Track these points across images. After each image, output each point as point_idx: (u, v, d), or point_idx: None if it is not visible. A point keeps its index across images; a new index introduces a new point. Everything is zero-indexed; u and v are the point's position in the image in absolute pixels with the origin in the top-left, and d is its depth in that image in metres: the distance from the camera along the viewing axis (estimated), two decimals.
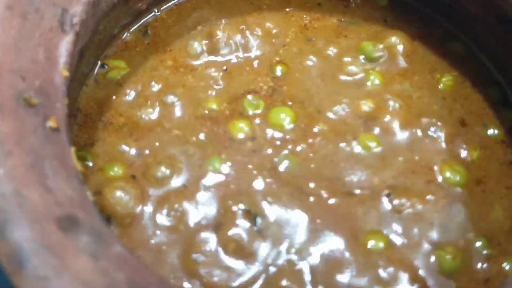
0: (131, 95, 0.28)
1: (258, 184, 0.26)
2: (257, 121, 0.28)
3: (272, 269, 0.24)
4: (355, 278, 0.24)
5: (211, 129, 0.27)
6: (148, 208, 0.25)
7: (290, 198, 0.25)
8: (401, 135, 0.28)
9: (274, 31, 0.31)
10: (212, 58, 0.30)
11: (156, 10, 0.30)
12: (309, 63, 0.30)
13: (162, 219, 0.25)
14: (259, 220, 0.25)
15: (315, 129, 0.27)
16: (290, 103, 0.28)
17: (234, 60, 0.30)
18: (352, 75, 0.29)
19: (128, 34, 0.30)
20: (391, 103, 0.28)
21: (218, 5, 0.31)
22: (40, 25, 0.22)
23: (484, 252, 0.25)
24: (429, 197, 0.26)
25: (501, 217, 0.26)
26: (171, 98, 0.28)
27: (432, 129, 0.28)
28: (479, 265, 0.25)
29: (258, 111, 0.28)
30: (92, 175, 0.25)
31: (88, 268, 0.17)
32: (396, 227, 0.25)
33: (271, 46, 0.30)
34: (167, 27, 0.31)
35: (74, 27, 0.23)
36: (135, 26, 0.30)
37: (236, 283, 0.23)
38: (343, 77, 0.29)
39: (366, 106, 0.28)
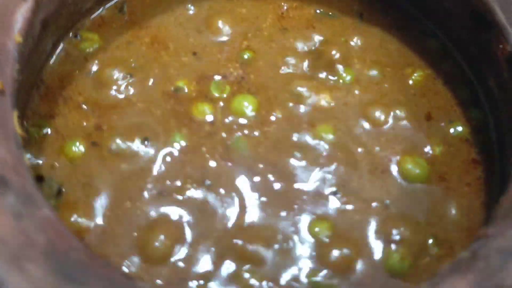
0: (96, 70, 0.28)
1: (210, 164, 0.26)
2: (221, 104, 0.28)
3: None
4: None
5: (174, 107, 0.27)
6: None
7: (238, 176, 0.25)
8: (363, 124, 0.28)
9: (250, 17, 0.31)
10: (185, 40, 0.30)
11: None
12: (278, 52, 0.30)
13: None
14: (208, 182, 0.25)
15: (273, 117, 0.27)
16: (255, 91, 0.28)
17: (207, 43, 0.30)
18: None
19: (103, 10, 0.30)
20: (356, 92, 0.28)
21: None
22: None
23: (434, 251, 0.25)
24: (384, 190, 0.26)
25: (458, 215, 0.26)
26: (138, 74, 0.28)
27: (396, 119, 0.28)
28: (425, 264, 0.24)
29: (224, 96, 0.28)
30: (48, 143, 0.26)
31: (8, 226, 0.17)
32: (343, 219, 0.25)
33: (244, 33, 0.30)
34: (144, 5, 0.31)
35: None
36: (111, 3, 0.30)
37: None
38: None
39: (327, 96, 0.28)
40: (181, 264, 0.23)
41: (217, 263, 0.23)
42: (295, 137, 0.27)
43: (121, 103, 0.27)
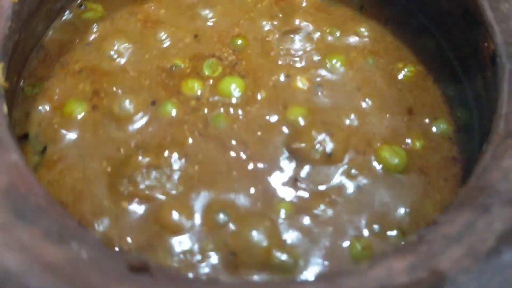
0: (96, 39, 0.30)
1: (189, 140, 0.26)
2: (210, 82, 0.28)
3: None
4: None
5: (164, 80, 0.28)
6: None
7: (214, 149, 0.26)
8: (346, 103, 0.28)
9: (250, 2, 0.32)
10: (185, 19, 0.31)
11: None
12: (274, 37, 0.30)
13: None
14: (183, 160, 0.26)
15: (258, 97, 0.28)
16: (244, 74, 0.29)
17: (208, 24, 0.31)
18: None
19: None
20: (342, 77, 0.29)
21: None
22: None
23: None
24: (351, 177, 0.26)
25: (430, 210, 0.26)
26: (137, 47, 0.29)
27: (378, 109, 0.28)
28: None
29: (215, 75, 0.29)
30: (40, 103, 0.27)
31: None
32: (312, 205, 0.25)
33: (237, 16, 0.31)
34: None
35: None
36: None
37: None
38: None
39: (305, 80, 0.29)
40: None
41: None
42: (273, 118, 0.27)
43: (115, 71, 0.29)
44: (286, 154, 0.26)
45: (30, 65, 0.28)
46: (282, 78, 0.28)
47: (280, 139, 0.27)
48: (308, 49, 0.30)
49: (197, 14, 0.31)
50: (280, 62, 0.29)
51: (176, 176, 0.25)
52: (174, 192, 0.25)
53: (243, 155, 0.26)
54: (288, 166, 0.26)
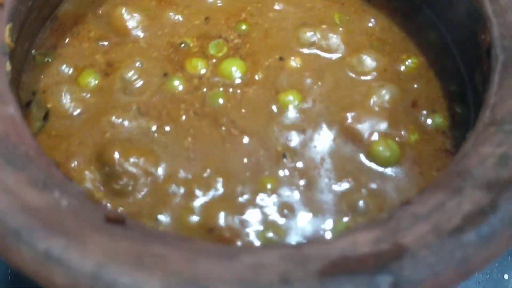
0: (110, 12, 0.31)
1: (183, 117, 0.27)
2: (214, 61, 0.29)
3: None
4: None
5: (169, 55, 0.29)
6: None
7: (207, 126, 0.27)
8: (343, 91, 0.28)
9: None
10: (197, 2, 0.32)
11: None
12: (277, 21, 0.31)
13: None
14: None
15: (256, 78, 0.29)
16: (246, 57, 0.29)
17: (218, 7, 0.32)
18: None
19: None
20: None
21: None
22: None
23: None
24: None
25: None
26: (149, 23, 0.31)
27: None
28: None
29: (219, 55, 0.30)
30: (48, 70, 0.29)
31: None
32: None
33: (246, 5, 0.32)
34: None
35: None
36: None
37: None
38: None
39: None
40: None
41: None
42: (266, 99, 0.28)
43: (127, 43, 0.30)
44: (277, 133, 0.27)
45: (43, 34, 0.30)
46: (281, 60, 0.29)
47: (273, 120, 0.27)
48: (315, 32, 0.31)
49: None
50: (282, 47, 0.30)
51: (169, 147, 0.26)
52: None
53: (234, 131, 0.26)
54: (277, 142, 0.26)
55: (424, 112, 0.28)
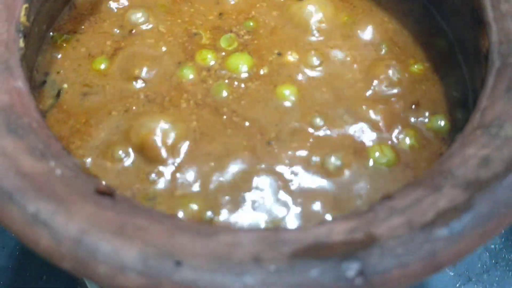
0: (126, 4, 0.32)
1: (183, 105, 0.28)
2: (223, 54, 0.30)
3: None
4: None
5: (183, 44, 0.30)
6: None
7: (209, 114, 0.28)
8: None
9: None
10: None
11: None
12: (288, 21, 0.32)
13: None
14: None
15: (261, 72, 0.29)
16: (253, 53, 0.30)
17: (231, 4, 0.33)
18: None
19: None
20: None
21: None
22: None
23: None
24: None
25: None
26: (163, 17, 0.32)
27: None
28: None
29: (229, 49, 0.30)
30: (65, 52, 0.30)
31: None
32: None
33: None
34: None
35: None
36: None
37: None
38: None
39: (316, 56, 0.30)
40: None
41: None
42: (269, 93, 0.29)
43: (142, 32, 0.31)
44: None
45: (61, 19, 0.31)
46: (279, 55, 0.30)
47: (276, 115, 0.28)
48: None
49: None
50: (289, 42, 0.30)
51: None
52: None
53: (235, 119, 0.27)
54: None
55: (426, 115, 0.28)
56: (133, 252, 0.17)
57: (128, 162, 0.26)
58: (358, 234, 0.18)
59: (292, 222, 0.24)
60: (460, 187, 0.19)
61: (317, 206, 0.24)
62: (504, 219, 0.17)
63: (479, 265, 0.42)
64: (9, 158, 0.19)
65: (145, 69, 0.29)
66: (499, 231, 0.17)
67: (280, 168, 0.26)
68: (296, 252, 0.18)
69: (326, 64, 0.30)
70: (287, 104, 0.28)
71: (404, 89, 0.28)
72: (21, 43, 0.24)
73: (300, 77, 0.29)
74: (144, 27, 0.31)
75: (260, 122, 0.28)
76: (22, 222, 0.18)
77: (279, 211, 0.24)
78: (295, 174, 0.26)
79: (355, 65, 0.30)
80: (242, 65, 0.29)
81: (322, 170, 0.26)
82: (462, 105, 0.29)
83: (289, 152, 0.26)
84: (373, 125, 0.28)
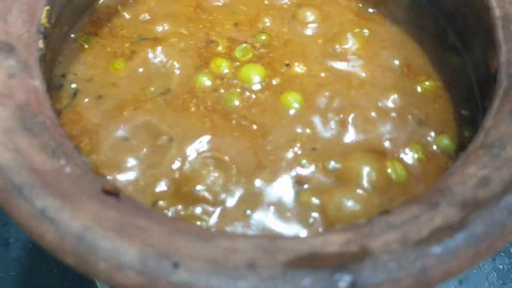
0: (144, 16, 0.33)
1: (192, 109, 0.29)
2: (237, 64, 0.31)
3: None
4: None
5: (200, 51, 0.31)
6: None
7: (218, 119, 0.28)
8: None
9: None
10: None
11: None
12: (306, 31, 0.32)
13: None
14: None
15: (274, 82, 0.30)
16: (267, 65, 0.31)
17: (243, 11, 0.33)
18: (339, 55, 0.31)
19: None
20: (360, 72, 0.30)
21: None
22: None
23: None
24: None
25: None
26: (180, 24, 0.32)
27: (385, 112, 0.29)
28: None
29: (244, 59, 0.31)
30: (83, 53, 0.31)
31: None
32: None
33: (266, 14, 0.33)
34: None
35: None
36: None
37: None
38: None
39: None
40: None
41: None
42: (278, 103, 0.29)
43: (160, 39, 0.32)
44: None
45: (82, 22, 0.32)
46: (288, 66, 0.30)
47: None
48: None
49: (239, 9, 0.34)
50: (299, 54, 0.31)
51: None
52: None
53: (244, 122, 0.28)
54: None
55: (433, 132, 0.28)
56: (133, 251, 0.18)
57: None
58: (352, 247, 0.18)
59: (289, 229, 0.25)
60: (457, 206, 0.19)
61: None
62: (497, 240, 0.17)
63: (486, 285, 0.42)
64: (22, 154, 0.20)
65: (166, 72, 0.30)
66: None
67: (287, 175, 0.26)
68: (290, 260, 0.18)
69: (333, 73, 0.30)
70: (292, 111, 0.28)
71: (413, 105, 0.29)
72: (41, 44, 0.25)
73: (308, 86, 0.30)
74: (163, 32, 0.32)
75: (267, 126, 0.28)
76: (29, 216, 0.19)
77: (278, 216, 0.25)
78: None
79: (363, 74, 0.30)
80: (255, 76, 0.30)
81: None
82: (470, 124, 0.29)
83: (296, 161, 0.27)
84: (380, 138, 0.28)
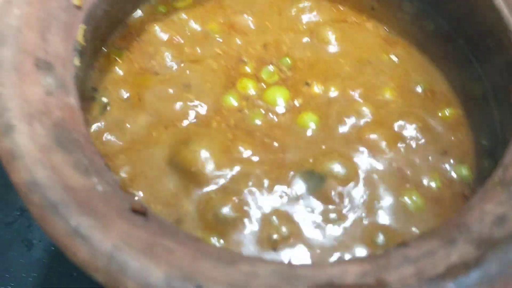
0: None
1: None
2: (263, 86, 0.32)
3: None
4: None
5: (228, 71, 0.32)
6: None
7: (241, 136, 0.29)
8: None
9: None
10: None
11: None
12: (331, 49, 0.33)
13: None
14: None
15: (297, 103, 0.31)
16: (291, 88, 0.31)
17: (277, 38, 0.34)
18: None
19: None
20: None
21: None
22: None
23: None
24: None
25: None
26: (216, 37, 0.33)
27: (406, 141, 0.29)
28: None
29: (270, 81, 0.32)
30: (113, 68, 0.32)
31: (37, 95, 0.23)
32: None
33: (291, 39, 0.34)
34: None
35: None
36: None
37: None
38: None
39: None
40: None
41: None
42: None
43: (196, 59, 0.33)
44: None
45: (114, 36, 0.33)
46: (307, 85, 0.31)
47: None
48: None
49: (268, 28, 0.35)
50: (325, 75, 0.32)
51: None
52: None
53: (267, 140, 0.29)
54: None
55: (452, 160, 0.29)
56: (159, 273, 0.19)
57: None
58: (369, 279, 0.19)
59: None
60: (473, 243, 0.19)
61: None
62: (511, 280, 0.18)
63: None
64: (57, 172, 0.21)
65: (191, 89, 0.31)
66: None
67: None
68: None
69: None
70: (310, 132, 0.29)
71: (433, 133, 0.29)
72: (76, 61, 0.26)
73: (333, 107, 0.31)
74: (191, 48, 0.33)
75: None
76: (63, 234, 0.20)
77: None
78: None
79: (387, 94, 0.31)
80: (279, 99, 0.31)
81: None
82: (490, 154, 0.29)
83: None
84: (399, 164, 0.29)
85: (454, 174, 0.28)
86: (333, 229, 0.26)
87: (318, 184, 0.27)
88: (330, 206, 0.26)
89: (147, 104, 0.30)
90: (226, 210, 0.26)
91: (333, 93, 0.31)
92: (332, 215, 0.26)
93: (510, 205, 0.20)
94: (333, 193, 0.27)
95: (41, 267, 0.39)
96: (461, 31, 0.32)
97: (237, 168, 0.28)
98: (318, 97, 0.31)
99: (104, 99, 0.31)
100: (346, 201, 0.27)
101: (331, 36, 0.33)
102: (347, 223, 0.26)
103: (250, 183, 0.27)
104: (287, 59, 0.33)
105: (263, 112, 0.30)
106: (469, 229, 0.20)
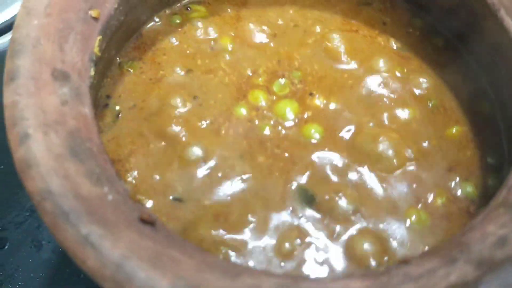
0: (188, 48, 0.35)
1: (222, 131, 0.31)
2: (274, 98, 0.32)
3: None
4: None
5: (239, 84, 0.33)
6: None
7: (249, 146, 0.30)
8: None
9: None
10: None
11: None
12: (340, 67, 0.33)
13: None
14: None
15: (305, 115, 0.31)
16: (300, 101, 0.32)
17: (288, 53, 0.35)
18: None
19: None
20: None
21: None
22: None
23: None
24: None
25: None
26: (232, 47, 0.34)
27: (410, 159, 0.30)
28: None
29: (281, 94, 0.32)
30: (126, 78, 0.33)
31: (53, 105, 0.24)
32: None
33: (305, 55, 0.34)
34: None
35: None
36: None
37: None
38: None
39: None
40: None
41: None
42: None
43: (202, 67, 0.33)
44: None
45: (128, 47, 0.34)
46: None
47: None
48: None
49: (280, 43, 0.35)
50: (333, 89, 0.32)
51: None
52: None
53: (276, 150, 0.29)
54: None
55: (458, 178, 0.29)
56: (165, 283, 0.19)
57: None
58: None
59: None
60: (473, 264, 0.20)
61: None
62: None
63: None
64: (70, 181, 0.22)
65: (202, 98, 0.32)
66: None
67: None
68: None
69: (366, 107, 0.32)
70: (314, 141, 0.30)
71: (442, 149, 0.29)
72: (92, 72, 0.27)
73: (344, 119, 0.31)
74: (201, 59, 0.34)
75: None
76: (74, 241, 0.20)
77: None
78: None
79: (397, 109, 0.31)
80: (289, 112, 0.31)
81: None
82: (495, 173, 0.29)
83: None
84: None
85: (459, 191, 0.29)
86: (339, 243, 0.26)
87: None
88: (332, 219, 0.27)
89: (156, 117, 0.31)
90: None
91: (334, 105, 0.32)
92: (338, 228, 0.27)
93: (511, 227, 0.21)
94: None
95: (49, 267, 0.39)
96: (473, 51, 0.33)
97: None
98: (324, 110, 0.31)
99: (117, 108, 0.32)
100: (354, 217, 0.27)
101: (342, 48, 0.34)
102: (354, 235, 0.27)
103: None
104: (299, 72, 0.33)
105: (272, 123, 0.31)
106: (470, 249, 0.20)
